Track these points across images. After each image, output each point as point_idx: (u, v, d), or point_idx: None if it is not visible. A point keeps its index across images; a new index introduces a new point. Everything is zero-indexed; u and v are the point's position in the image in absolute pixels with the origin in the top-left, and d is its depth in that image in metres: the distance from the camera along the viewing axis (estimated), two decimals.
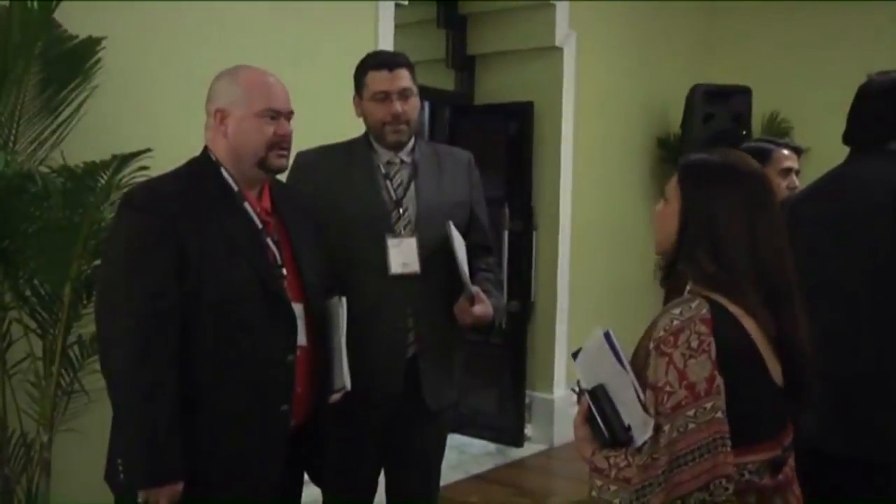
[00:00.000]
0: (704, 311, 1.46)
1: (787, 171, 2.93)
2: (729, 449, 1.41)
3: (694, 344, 1.43)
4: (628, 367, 1.49)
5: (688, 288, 1.56)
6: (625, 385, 1.48)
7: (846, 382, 2.06)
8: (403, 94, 2.38)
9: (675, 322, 1.46)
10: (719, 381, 1.42)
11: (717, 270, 1.50)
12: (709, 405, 1.41)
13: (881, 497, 2.07)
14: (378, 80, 2.38)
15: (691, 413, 1.41)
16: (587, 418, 1.54)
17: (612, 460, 1.47)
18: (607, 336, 1.51)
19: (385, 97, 2.37)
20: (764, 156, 2.92)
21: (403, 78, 2.39)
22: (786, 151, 2.97)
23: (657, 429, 1.42)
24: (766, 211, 1.53)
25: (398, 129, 2.39)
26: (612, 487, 1.45)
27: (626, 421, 1.47)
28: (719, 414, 1.41)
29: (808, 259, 2.14)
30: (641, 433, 1.45)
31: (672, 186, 1.60)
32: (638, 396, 1.46)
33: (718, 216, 1.51)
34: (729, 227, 1.51)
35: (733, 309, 1.49)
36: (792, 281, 1.54)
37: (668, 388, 1.43)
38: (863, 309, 2.08)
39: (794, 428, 1.60)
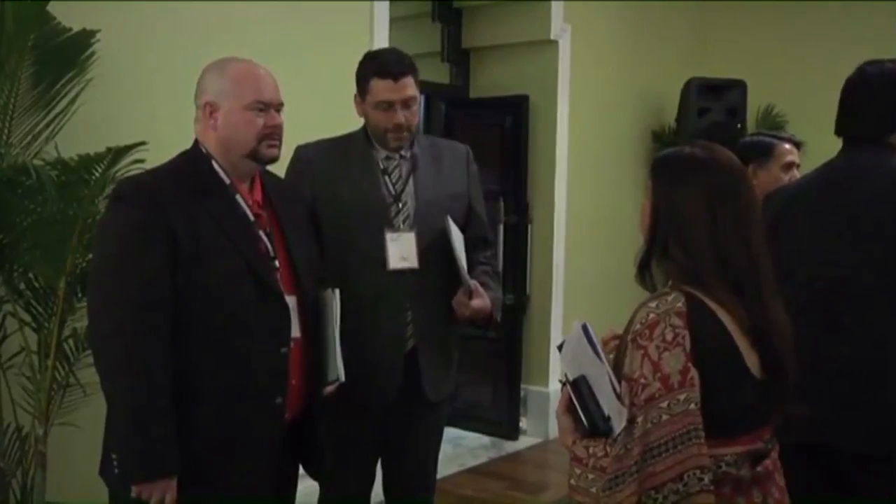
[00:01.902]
0: (680, 304, 1.48)
1: (790, 166, 2.93)
2: (702, 440, 1.42)
3: (669, 337, 1.45)
4: (604, 358, 1.52)
5: (669, 283, 1.58)
6: (602, 375, 1.50)
7: (843, 374, 2.05)
8: (407, 104, 2.37)
9: (651, 315, 1.48)
10: (693, 373, 1.44)
11: (687, 262, 1.53)
12: (682, 397, 1.43)
13: (877, 489, 2.07)
14: (382, 89, 2.35)
15: (664, 405, 1.43)
16: (568, 408, 1.56)
17: (590, 450, 1.49)
18: (584, 328, 1.54)
19: (389, 106, 2.36)
20: (767, 150, 2.92)
21: (408, 87, 2.37)
22: (787, 146, 2.97)
23: (631, 420, 1.44)
24: (730, 202, 1.54)
25: (400, 137, 2.39)
26: (590, 476, 1.48)
27: (607, 411, 1.49)
28: (692, 406, 1.43)
29: (807, 252, 2.14)
30: (619, 423, 1.47)
31: (649, 182, 1.63)
32: (613, 387, 1.48)
33: (681, 208, 1.54)
34: (690, 219, 1.53)
35: (709, 301, 1.50)
36: (761, 272, 1.54)
37: (642, 381, 1.45)
38: (864, 301, 2.08)
39: (779, 421, 1.61)
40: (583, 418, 1.52)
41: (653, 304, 1.50)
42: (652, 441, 1.42)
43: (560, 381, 1.61)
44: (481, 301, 2.33)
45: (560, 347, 1.61)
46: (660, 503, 1.41)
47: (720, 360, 1.49)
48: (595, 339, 1.53)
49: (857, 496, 2.10)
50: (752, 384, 1.52)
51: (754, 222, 1.56)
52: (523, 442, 4.95)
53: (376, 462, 2.55)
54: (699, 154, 1.59)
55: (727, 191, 1.55)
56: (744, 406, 1.53)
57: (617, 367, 1.54)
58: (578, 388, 1.53)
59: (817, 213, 2.17)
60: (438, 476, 2.68)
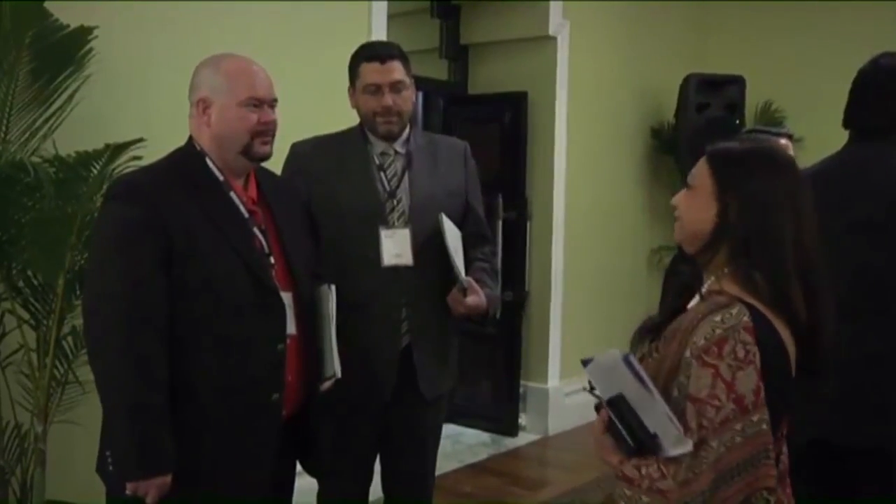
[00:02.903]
0: (746, 317, 1.40)
1: None
2: (771, 460, 1.38)
3: (741, 354, 1.38)
4: (655, 391, 1.41)
5: (707, 285, 1.51)
6: (651, 405, 1.41)
7: (856, 373, 2.03)
8: (395, 87, 2.37)
9: (718, 331, 1.39)
10: (763, 392, 1.38)
11: (750, 264, 1.46)
12: (756, 418, 1.37)
13: (881, 485, 2.07)
14: (370, 72, 2.37)
15: (738, 427, 1.36)
16: (608, 427, 1.48)
17: (643, 470, 1.40)
18: (627, 361, 1.43)
19: (377, 90, 2.37)
20: None
21: (395, 70, 2.38)
22: (783, 141, 2.96)
23: (702, 443, 1.36)
24: (807, 199, 1.50)
25: (390, 121, 2.39)
26: (644, 499, 1.39)
27: (652, 430, 1.41)
28: (765, 426, 1.38)
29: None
30: (673, 446, 1.39)
31: (700, 172, 1.54)
32: (670, 419, 1.40)
33: (766, 204, 1.46)
34: (778, 215, 1.46)
35: (767, 313, 1.44)
36: (825, 269, 1.50)
37: (715, 402, 1.36)
38: (865, 301, 2.06)
39: (794, 420, 1.59)
40: (626, 438, 1.44)
41: (717, 319, 1.40)
42: (724, 466, 1.36)
43: (584, 389, 1.52)
44: (476, 298, 2.33)
45: (584, 363, 1.50)
46: None
47: (777, 374, 1.43)
48: (641, 372, 1.42)
49: (856, 492, 2.09)
50: (791, 390, 1.49)
51: (816, 219, 1.52)
52: (523, 438, 4.95)
53: (374, 459, 2.55)
54: (767, 147, 1.55)
55: (802, 186, 1.51)
56: (780, 412, 1.48)
57: (656, 382, 1.46)
58: (618, 407, 1.44)
59: (822, 208, 2.13)
60: (438, 473, 2.68)
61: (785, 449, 1.57)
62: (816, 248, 1.50)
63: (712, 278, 1.51)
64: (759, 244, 1.46)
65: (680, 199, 1.58)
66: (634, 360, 1.42)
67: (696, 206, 1.53)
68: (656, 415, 1.40)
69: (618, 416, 1.44)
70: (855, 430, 2.05)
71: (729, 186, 1.49)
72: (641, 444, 1.42)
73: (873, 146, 2.13)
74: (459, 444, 4.78)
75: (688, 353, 1.41)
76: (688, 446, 1.36)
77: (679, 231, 1.59)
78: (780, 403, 1.45)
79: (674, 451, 1.38)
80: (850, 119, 2.20)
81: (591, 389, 1.50)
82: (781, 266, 1.45)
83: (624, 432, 1.44)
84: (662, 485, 1.37)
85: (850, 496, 2.11)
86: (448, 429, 4.58)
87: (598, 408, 1.50)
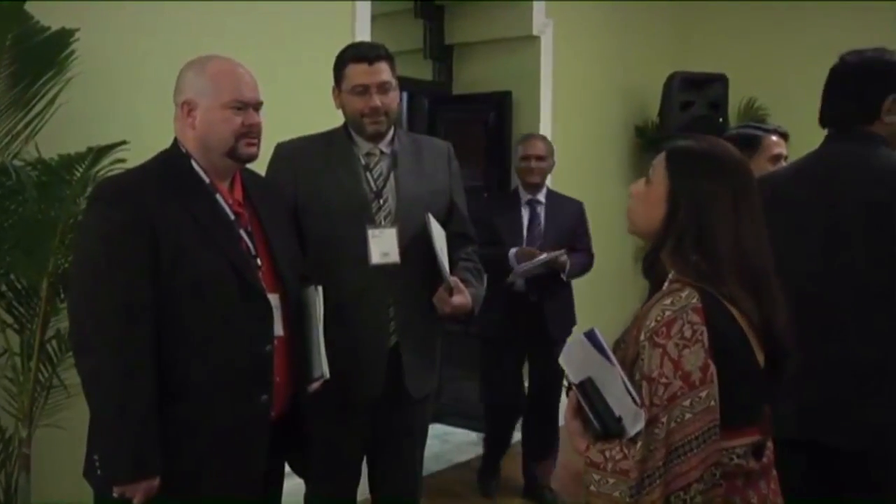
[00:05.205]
0: (695, 300, 1.46)
1: (777, 158, 2.91)
2: (718, 436, 1.42)
3: (687, 334, 1.44)
4: (615, 361, 1.49)
5: (670, 276, 1.56)
6: (613, 378, 1.48)
7: (822, 371, 2.04)
8: (383, 88, 2.38)
9: (668, 312, 1.46)
10: (713, 369, 1.43)
11: (699, 259, 1.51)
12: (703, 394, 1.42)
13: (857, 486, 2.08)
14: (357, 73, 2.38)
15: (687, 403, 1.42)
16: (577, 411, 1.54)
17: (607, 453, 1.47)
18: (590, 335, 1.51)
19: (364, 90, 2.37)
20: (754, 143, 2.90)
21: (383, 71, 2.38)
22: (774, 138, 2.96)
23: (653, 420, 1.42)
24: (750, 200, 1.55)
25: (377, 121, 2.39)
26: (611, 480, 1.45)
27: (617, 412, 1.48)
28: (713, 402, 1.42)
29: (787, 250, 2.13)
30: (632, 424, 1.45)
31: (658, 170, 1.59)
32: (627, 390, 1.46)
33: (707, 205, 1.52)
34: (717, 217, 1.51)
35: (719, 296, 1.50)
36: (770, 267, 1.55)
37: (663, 380, 1.43)
38: (843, 301, 2.07)
39: (773, 415, 1.61)
40: (593, 420, 1.50)
41: (667, 302, 1.48)
42: (676, 441, 1.41)
43: (564, 385, 1.58)
44: (462, 297, 2.34)
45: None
46: None
47: (733, 355, 1.48)
48: (603, 343, 1.50)
49: (843, 492, 2.10)
50: (759, 377, 1.53)
51: (763, 220, 1.56)
52: (511, 437, 4.94)
53: (362, 459, 2.55)
54: (721, 151, 1.58)
55: (747, 188, 1.55)
56: (752, 398, 1.53)
57: (623, 367, 1.51)
58: (585, 389, 1.51)
59: (797, 208, 2.15)
60: (426, 473, 2.68)
61: (771, 445, 1.59)
62: (762, 246, 1.54)
63: (672, 271, 1.57)
64: (697, 238, 1.51)
65: (638, 189, 1.63)
66: (598, 333, 1.51)
67: (650, 203, 1.59)
68: (619, 392, 1.47)
69: (586, 399, 1.51)
70: (839, 431, 2.06)
71: (681, 189, 1.55)
72: (607, 427, 1.49)
73: (847, 145, 2.15)
74: (447, 444, 4.78)
75: (642, 337, 1.48)
76: (642, 421, 1.43)
77: (630, 223, 1.66)
78: (743, 389, 1.50)
79: (633, 431, 1.45)
80: (823, 118, 2.22)
81: (567, 384, 1.57)
82: (716, 257, 1.50)
83: (591, 416, 1.51)
84: (624, 465, 1.44)
85: (836, 496, 2.12)
86: (436, 428, 4.59)
87: (569, 390, 1.56)
